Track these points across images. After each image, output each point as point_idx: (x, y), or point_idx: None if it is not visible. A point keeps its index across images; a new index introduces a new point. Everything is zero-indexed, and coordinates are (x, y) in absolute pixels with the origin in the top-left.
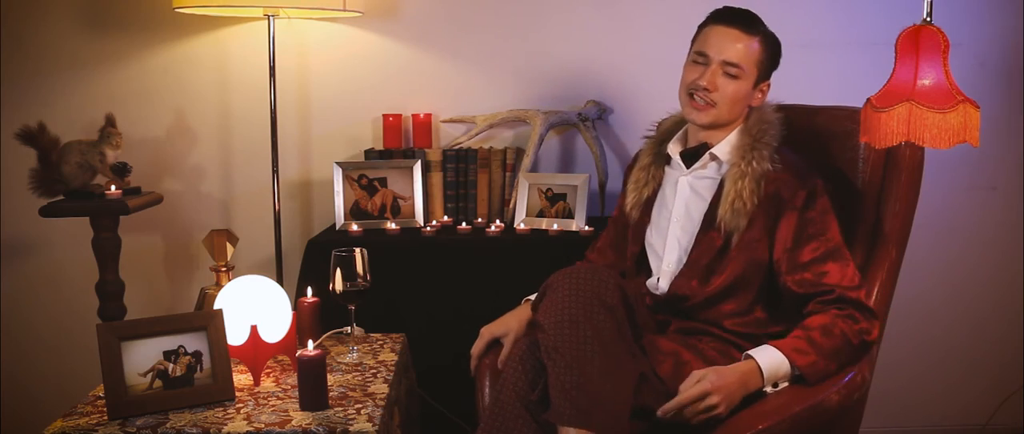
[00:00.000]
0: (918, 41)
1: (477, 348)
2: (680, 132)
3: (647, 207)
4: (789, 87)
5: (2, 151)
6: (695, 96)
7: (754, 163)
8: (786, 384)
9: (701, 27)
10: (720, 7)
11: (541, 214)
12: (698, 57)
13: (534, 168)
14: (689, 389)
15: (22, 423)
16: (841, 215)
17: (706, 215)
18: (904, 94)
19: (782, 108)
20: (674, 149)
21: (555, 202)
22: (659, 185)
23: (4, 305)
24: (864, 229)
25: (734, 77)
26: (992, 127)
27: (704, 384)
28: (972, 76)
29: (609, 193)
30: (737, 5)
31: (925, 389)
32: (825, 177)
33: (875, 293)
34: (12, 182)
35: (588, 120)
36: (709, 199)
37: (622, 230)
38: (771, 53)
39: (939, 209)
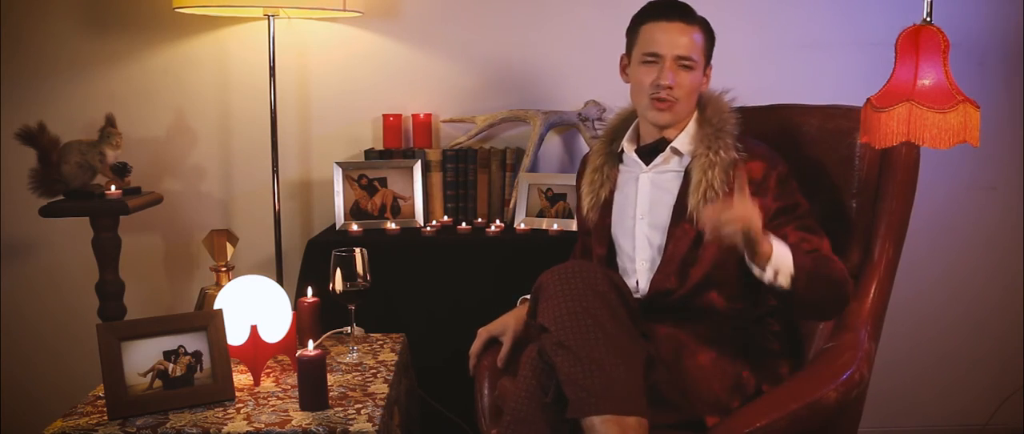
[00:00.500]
0: (918, 41)
1: (475, 348)
2: (630, 130)
3: (606, 209)
4: (789, 87)
5: (2, 151)
6: (659, 96)
7: (721, 153)
8: (776, 281)
9: (638, 26)
10: (652, 2)
11: (541, 214)
12: (649, 58)
13: (534, 168)
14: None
15: (22, 423)
16: (839, 214)
17: (675, 208)
18: (904, 94)
19: (778, 108)
20: (629, 147)
21: (555, 202)
22: (614, 185)
23: (4, 305)
24: (861, 228)
25: (689, 69)
26: (992, 127)
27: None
28: (972, 76)
29: None
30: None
31: (925, 389)
32: (786, 163)
33: (872, 291)
34: (12, 182)
35: (588, 120)
36: (675, 192)
37: (588, 240)
38: (711, 36)
39: (939, 209)
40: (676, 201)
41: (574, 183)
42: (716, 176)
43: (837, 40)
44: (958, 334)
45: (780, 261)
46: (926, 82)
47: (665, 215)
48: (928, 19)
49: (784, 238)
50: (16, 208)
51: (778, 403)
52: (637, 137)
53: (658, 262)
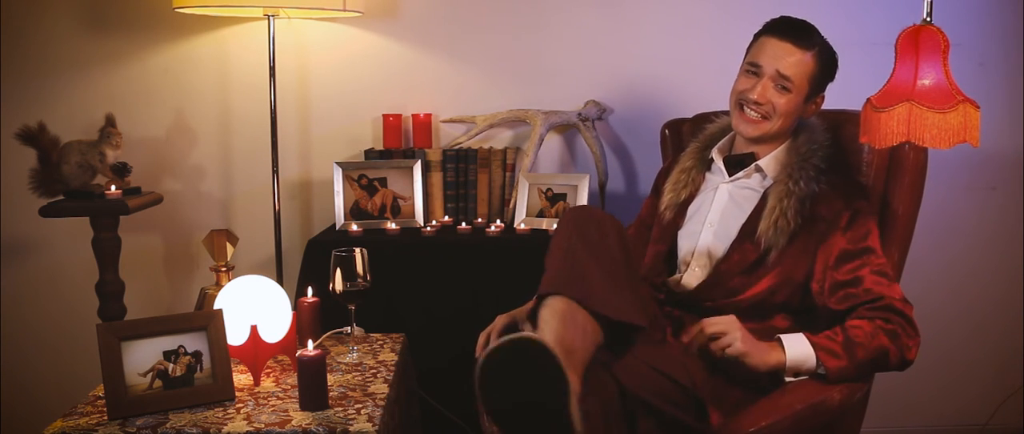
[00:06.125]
0: (918, 41)
1: (495, 328)
2: (726, 138)
3: (681, 210)
4: None
5: (2, 151)
6: (745, 108)
7: (801, 183)
8: (805, 379)
9: (756, 37)
10: (776, 18)
11: (541, 214)
12: (751, 67)
13: (534, 168)
14: (709, 325)
15: (22, 423)
16: None
17: (744, 226)
18: (904, 94)
19: None
20: (718, 155)
21: (555, 202)
22: (697, 189)
23: (4, 305)
24: None
25: (786, 90)
26: (992, 127)
27: (722, 325)
28: (972, 76)
29: (609, 193)
30: (752, 6)
31: (925, 389)
32: (869, 199)
33: None
34: (12, 182)
35: (588, 120)
36: (748, 211)
37: (644, 233)
38: (825, 66)
39: (939, 209)
40: (747, 220)
41: (573, 183)
42: (790, 206)
43: (837, 40)
44: (958, 334)
45: (798, 364)
46: (926, 82)
47: (733, 230)
48: (928, 19)
49: (849, 283)
50: (16, 208)
51: (782, 403)
52: (729, 148)
53: (709, 272)
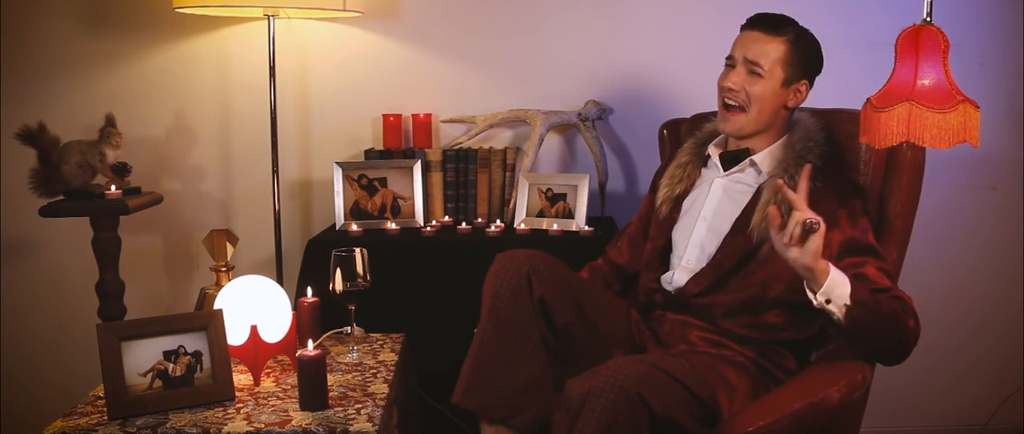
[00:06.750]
0: (918, 41)
1: None
2: (722, 135)
3: (677, 204)
4: None
5: (2, 151)
6: (725, 100)
7: (796, 178)
8: (833, 309)
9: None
10: (753, 14)
11: (541, 214)
12: (727, 61)
13: (534, 168)
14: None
15: (22, 423)
16: None
17: (738, 220)
18: (904, 94)
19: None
20: (714, 150)
21: (555, 202)
22: (692, 184)
23: (4, 305)
24: None
25: (758, 75)
26: (992, 127)
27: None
28: (972, 76)
29: (609, 193)
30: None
31: (925, 389)
32: (865, 198)
33: None
34: (12, 182)
35: (588, 120)
36: (743, 205)
37: (645, 229)
38: (802, 53)
39: (939, 209)
40: (740, 214)
41: (573, 183)
42: (783, 200)
43: (837, 40)
44: (958, 334)
45: (834, 289)
46: (926, 82)
47: (726, 224)
48: (928, 19)
49: (852, 277)
50: (16, 208)
51: (781, 402)
52: (725, 144)
53: (703, 266)
